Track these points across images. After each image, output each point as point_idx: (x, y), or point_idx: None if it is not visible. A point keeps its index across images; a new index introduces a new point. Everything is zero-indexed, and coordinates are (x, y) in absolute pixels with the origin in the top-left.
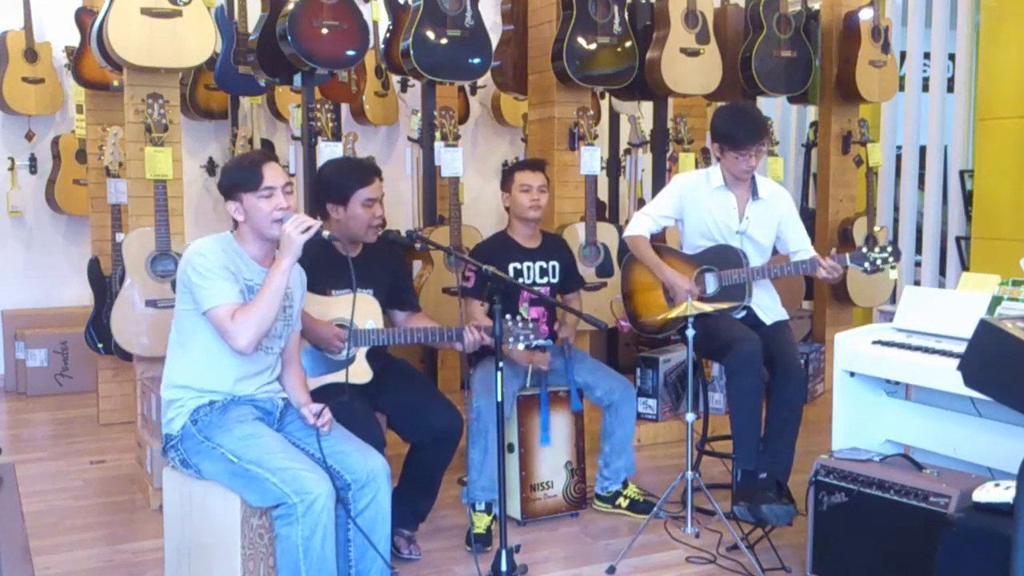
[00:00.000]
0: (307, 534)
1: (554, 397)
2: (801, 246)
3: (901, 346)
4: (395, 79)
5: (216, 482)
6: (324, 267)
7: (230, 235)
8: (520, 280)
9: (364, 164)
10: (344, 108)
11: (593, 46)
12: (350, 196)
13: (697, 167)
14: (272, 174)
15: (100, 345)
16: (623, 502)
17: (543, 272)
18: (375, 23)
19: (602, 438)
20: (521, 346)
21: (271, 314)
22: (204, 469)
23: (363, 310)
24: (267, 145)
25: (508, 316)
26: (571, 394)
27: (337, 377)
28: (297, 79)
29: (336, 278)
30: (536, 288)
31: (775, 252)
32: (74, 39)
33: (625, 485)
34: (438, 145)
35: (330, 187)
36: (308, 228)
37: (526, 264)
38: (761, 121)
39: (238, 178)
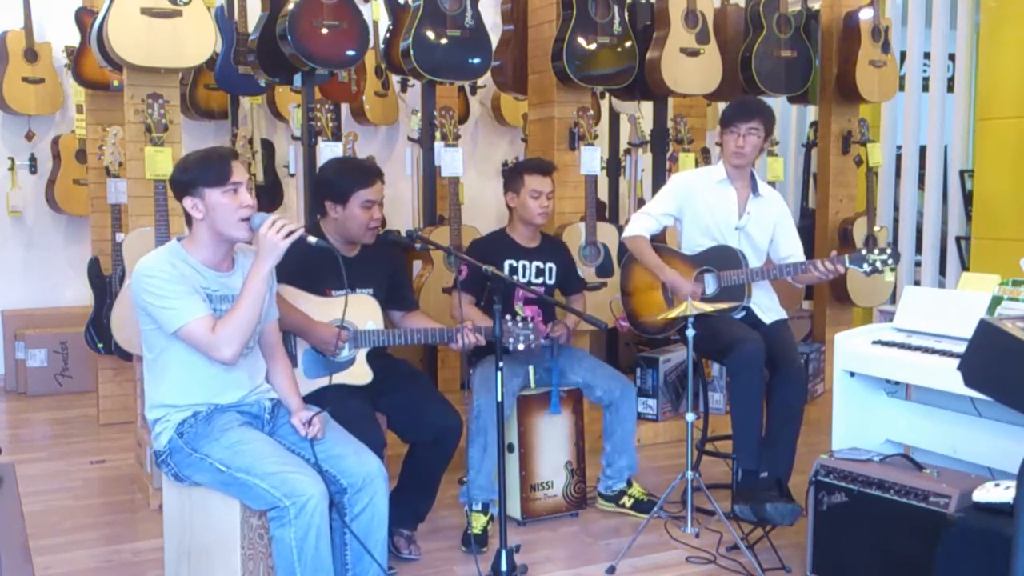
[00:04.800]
0: (301, 535)
1: None
2: (793, 251)
3: (901, 346)
4: (395, 79)
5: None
6: (322, 267)
7: (176, 244)
8: (515, 278)
9: (367, 165)
10: (344, 108)
11: (593, 46)
12: (349, 196)
13: (697, 167)
14: (239, 170)
15: (100, 345)
16: (627, 501)
17: (539, 272)
18: (375, 23)
19: (604, 437)
20: (521, 347)
21: (254, 320)
22: (197, 480)
23: (363, 311)
24: (267, 145)
25: (508, 316)
26: (552, 395)
27: (336, 379)
28: (297, 79)
29: (334, 278)
30: (532, 287)
31: (767, 259)
32: (74, 39)
33: (630, 484)
34: (438, 145)
35: (330, 185)
36: (291, 233)
37: (522, 263)
38: (756, 103)
39: (203, 172)
